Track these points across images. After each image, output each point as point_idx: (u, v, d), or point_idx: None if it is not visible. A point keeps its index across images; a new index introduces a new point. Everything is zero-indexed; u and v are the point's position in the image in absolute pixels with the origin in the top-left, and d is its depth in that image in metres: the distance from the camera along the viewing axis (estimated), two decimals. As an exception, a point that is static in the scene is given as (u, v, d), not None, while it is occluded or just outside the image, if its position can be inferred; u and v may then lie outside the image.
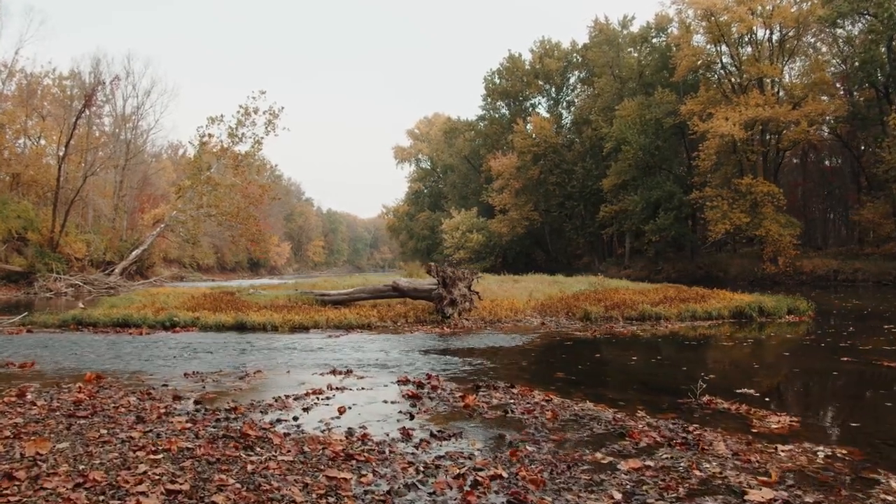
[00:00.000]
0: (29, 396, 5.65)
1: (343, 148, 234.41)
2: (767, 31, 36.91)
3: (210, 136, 33.94)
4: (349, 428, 4.66)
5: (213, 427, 4.58)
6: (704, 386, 6.02)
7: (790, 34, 36.25)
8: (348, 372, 7.08)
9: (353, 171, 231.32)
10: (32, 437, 4.12)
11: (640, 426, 4.91)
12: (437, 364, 7.83)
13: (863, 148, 38.82)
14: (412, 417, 5.04)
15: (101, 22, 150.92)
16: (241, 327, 11.96)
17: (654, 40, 44.94)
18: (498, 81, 57.11)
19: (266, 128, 34.83)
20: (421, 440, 4.32)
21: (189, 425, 4.57)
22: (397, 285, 14.00)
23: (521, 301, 15.47)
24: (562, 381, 6.84)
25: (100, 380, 6.58)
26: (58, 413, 4.94)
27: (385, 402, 5.64)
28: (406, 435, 4.45)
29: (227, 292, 19.41)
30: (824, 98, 35.40)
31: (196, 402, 5.49)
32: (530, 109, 56.51)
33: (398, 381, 6.61)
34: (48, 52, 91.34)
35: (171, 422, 4.70)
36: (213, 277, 54.65)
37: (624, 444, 4.42)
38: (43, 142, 39.58)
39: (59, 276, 27.16)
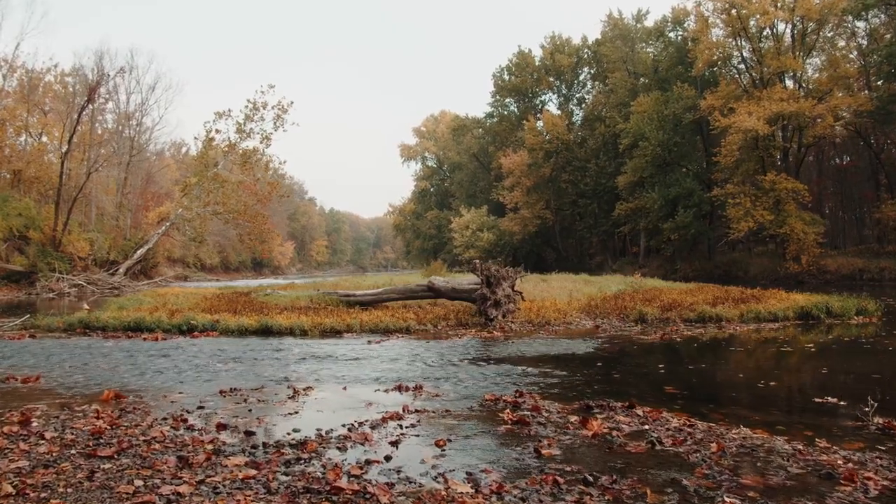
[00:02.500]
0: (35, 424, 4.45)
1: (344, 149, 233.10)
2: (789, 25, 35.70)
3: (217, 131, 32.83)
4: (468, 472, 3.47)
5: (286, 474, 3.38)
6: (875, 405, 4.84)
7: (811, 27, 35.06)
8: (418, 388, 5.88)
9: (354, 172, 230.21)
10: (43, 496, 2.93)
11: (840, 462, 3.73)
12: (512, 375, 6.64)
13: (884, 145, 37.66)
14: (539, 454, 3.85)
15: (101, 21, 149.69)
16: (265, 331, 10.76)
17: (671, 34, 43.75)
18: (507, 78, 55.86)
19: (275, 123, 33.73)
20: (580, 493, 3.12)
21: (253, 472, 3.37)
22: (433, 285, 12.80)
23: (562, 302, 14.30)
24: (680, 398, 5.64)
25: (119, 399, 5.38)
26: (73, 451, 3.74)
27: (487, 431, 4.44)
28: (553, 484, 3.26)
29: (240, 293, 18.25)
30: (839, 94, 34.12)
31: (248, 433, 4.30)
32: (540, 106, 55.31)
33: (486, 399, 5.41)
34: (50, 48, 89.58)
35: (227, 465, 3.50)
36: (217, 277, 53.47)
37: (848, 492, 3.24)
38: (45, 138, 38.41)
39: (61, 275, 25.97)
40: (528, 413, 4.93)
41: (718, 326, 11.64)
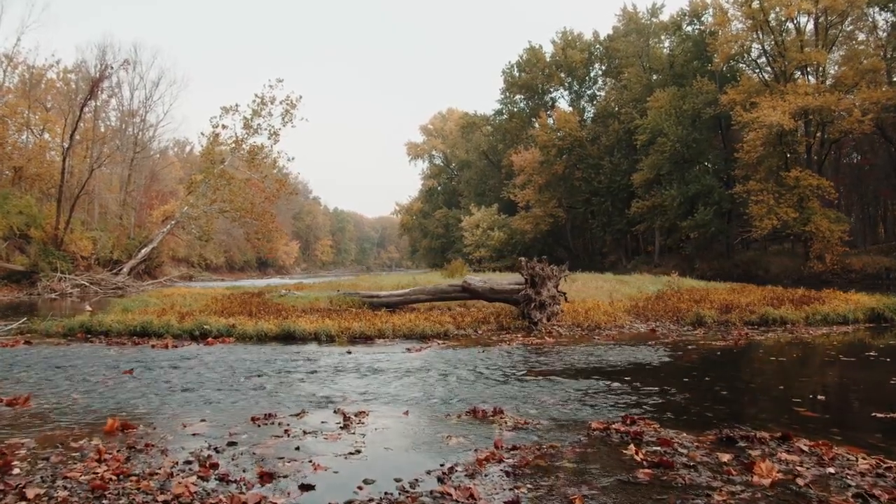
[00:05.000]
0: (17, 471, 3.32)
1: (345, 148, 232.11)
2: (811, 18, 34.52)
3: (224, 126, 31.73)
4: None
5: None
6: None
7: (834, 19, 33.87)
8: (497, 412, 4.73)
9: (355, 172, 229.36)
10: None
11: None
12: (596, 393, 5.49)
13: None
14: (724, 524, 2.71)
15: (101, 21, 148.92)
16: (287, 337, 9.64)
17: (688, 28, 42.54)
18: (517, 74, 54.68)
19: (283, 118, 32.64)
20: None
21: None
22: (469, 285, 11.65)
23: (603, 303, 13.15)
24: (827, 423, 4.48)
25: (127, 431, 4.25)
26: (64, 524, 2.62)
27: (626, 480, 3.30)
28: None
29: (252, 293, 17.17)
30: (865, 88, 32.79)
31: (305, 487, 3.16)
32: (550, 103, 54.19)
33: (593, 429, 4.26)
34: (51, 43, 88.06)
35: (290, 550, 2.37)
36: (222, 277, 52.40)
37: None
38: (46, 135, 37.33)
39: (63, 275, 24.89)
40: (660, 449, 3.79)
41: (786, 330, 10.50)
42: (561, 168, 45.68)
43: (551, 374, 6.49)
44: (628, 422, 4.43)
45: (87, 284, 25.39)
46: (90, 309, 15.22)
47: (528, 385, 5.92)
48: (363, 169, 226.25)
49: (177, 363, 7.29)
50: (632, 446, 3.84)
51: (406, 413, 4.78)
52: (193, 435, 4.16)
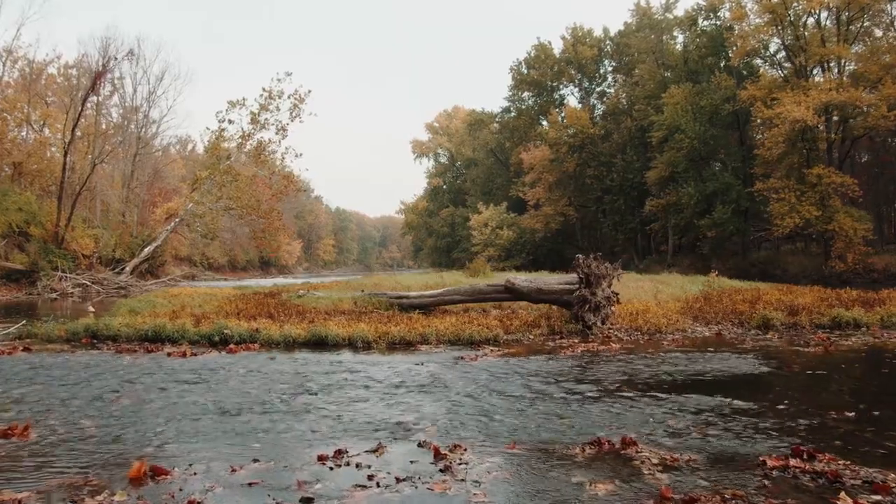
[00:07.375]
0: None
1: (348, 147, 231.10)
2: (832, 13, 33.55)
3: (230, 121, 30.66)
4: None
5: None
6: None
7: (855, 14, 32.91)
8: (629, 444, 3.70)
9: (357, 171, 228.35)
10: None
11: None
12: (721, 415, 4.48)
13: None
14: None
15: (101, 13, 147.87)
16: (318, 343, 8.61)
17: (704, 23, 41.54)
18: (526, 71, 53.70)
19: (291, 113, 31.59)
20: None
21: None
22: (513, 285, 10.61)
23: (652, 304, 12.14)
24: None
25: (158, 478, 3.21)
26: None
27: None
28: None
29: (264, 294, 16.17)
30: (890, 83, 31.67)
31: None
32: (559, 100, 53.21)
33: (769, 467, 3.24)
34: (51, 37, 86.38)
35: None
36: (225, 276, 51.33)
37: None
38: (47, 131, 36.28)
39: (64, 274, 23.86)
40: (882, 499, 2.78)
41: (865, 333, 9.49)
42: (571, 166, 44.71)
43: (649, 390, 5.47)
44: (805, 456, 3.42)
45: (89, 284, 24.36)
46: (93, 310, 14.23)
47: (632, 404, 4.90)
48: (365, 168, 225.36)
49: (201, 376, 6.26)
50: (843, 495, 2.83)
51: (513, 446, 3.75)
52: (249, 485, 3.12)
